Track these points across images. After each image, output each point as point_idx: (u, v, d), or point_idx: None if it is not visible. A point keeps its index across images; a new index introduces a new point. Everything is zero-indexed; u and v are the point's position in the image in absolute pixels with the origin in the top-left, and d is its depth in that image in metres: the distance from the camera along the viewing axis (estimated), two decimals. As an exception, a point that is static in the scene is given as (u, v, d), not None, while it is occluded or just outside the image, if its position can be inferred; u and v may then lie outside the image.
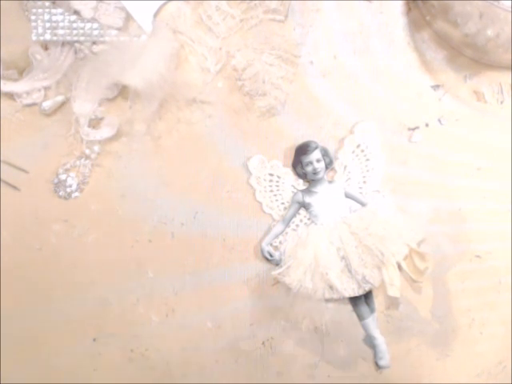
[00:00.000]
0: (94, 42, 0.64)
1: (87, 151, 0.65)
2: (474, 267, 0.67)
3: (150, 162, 0.66)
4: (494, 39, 0.62)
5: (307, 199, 0.65)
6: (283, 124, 0.66)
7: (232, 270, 0.66)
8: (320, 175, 0.65)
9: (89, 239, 0.66)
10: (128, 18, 0.64)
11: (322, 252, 0.63)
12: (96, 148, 0.65)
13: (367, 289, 0.64)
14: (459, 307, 0.67)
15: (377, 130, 0.66)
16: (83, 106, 0.64)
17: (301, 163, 0.65)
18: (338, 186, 0.66)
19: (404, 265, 0.65)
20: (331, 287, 0.63)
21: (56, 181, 0.65)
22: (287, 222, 0.66)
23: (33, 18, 0.63)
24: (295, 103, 0.66)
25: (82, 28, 0.63)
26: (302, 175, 0.66)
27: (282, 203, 0.66)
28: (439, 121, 0.68)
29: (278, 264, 0.65)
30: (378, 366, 0.66)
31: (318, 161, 0.64)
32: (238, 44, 0.66)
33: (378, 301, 0.66)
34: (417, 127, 0.67)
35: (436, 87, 0.68)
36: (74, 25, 0.63)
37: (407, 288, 0.66)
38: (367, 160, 0.66)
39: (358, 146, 0.66)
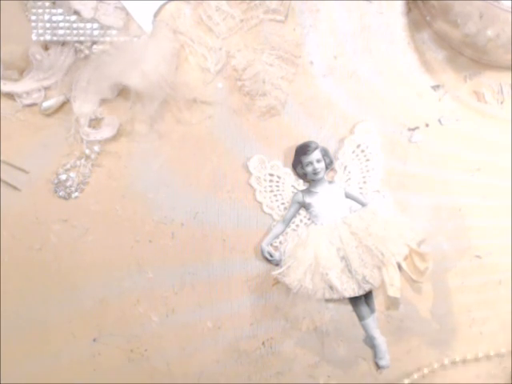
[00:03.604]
0: (94, 42, 0.64)
1: (87, 151, 0.65)
2: (473, 267, 0.67)
3: (150, 162, 0.66)
4: (494, 39, 0.62)
5: (307, 199, 0.65)
6: (283, 124, 0.66)
7: (232, 270, 0.66)
8: (320, 175, 0.65)
9: (89, 239, 0.66)
10: (128, 18, 0.64)
11: (322, 252, 0.63)
12: (96, 148, 0.65)
13: (367, 289, 0.64)
14: (459, 307, 0.67)
15: (377, 130, 0.66)
16: (83, 106, 0.64)
17: (301, 163, 0.65)
18: (338, 186, 0.66)
19: (404, 265, 0.65)
20: (331, 287, 0.63)
21: (56, 181, 0.65)
22: (287, 222, 0.66)
23: (33, 18, 0.63)
24: (295, 103, 0.66)
25: (82, 28, 0.63)
26: (302, 175, 0.66)
27: (282, 203, 0.66)
28: (439, 121, 0.68)
29: (278, 264, 0.65)
30: (377, 366, 0.66)
31: (318, 161, 0.64)
32: (238, 44, 0.66)
33: (378, 301, 0.66)
34: (417, 127, 0.67)
35: (436, 87, 0.68)
36: (74, 25, 0.63)
37: (407, 288, 0.66)
38: (367, 160, 0.66)
39: (358, 147, 0.66)
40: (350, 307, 0.66)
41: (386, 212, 0.65)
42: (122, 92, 0.65)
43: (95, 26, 0.63)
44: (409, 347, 0.66)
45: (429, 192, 0.67)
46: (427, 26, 0.67)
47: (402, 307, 0.66)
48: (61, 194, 0.65)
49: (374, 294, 0.65)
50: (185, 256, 0.66)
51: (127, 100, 0.64)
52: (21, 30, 0.64)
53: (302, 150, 0.65)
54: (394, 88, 0.67)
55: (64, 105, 0.65)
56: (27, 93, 0.65)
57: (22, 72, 0.65)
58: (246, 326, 0.66)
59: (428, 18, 0.66)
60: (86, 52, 0.64)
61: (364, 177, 0.66)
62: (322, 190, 0.65)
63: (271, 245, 0.65)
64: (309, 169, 0.65)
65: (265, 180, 0.66)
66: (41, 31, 0.63)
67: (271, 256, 0.65)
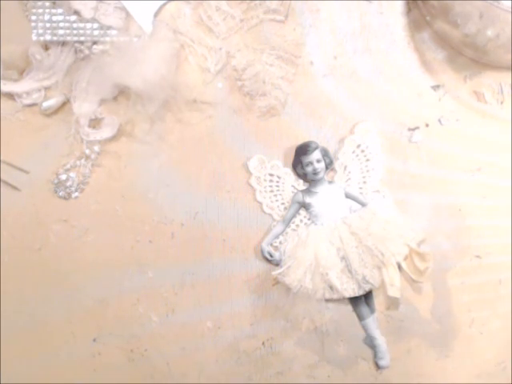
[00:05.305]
0: (95, 42, 0.64)
1: (87, 151, 0.65)
2: (473, 267, 0.67)
3: (149, 162, 0.66)
4: (494, 39, 0.62)
5: (307, 199, 0.65)
6: (283, 124, 0.66)
7: (232, 270, 0.66)
8: (320, 175, 0.65)
9: (89, 239, 0.66)
10: (128, 18, 0.64)
11: (322, 252, 0.63)
12: (96, 148, 0.65)
13: (367, 289, 0.64)
14: (459, 307, 0.67)
15: (377, 130, 0.66)
16: (83, 106, 0.64)
17: (301, 163, 0.65)
18: (338, 186, 0.66)
19: (404, 265, 0.65)
20: (331, 287, 0.63)
21: (56, 181, 0.65)
22: (287, 222, 0.66)
23: (33, 18, 0.63)
24: (295, 103, 0.66)
25: (82, 28, 0.63)
26: (302, 175, 0.66)
27: (282, 203, 0.66)
28: (439, 121, 0.68)
29: (278, 264, 0.65)
30: (377, 366, 0.66)
31: (318, 161, 0.64)
32: (238, 44, 0.66)
33: (378, 301, 0.66)
34: (417, 127, 0.67)
35: (436, 87, 0.68)
36: (74, 25, 0.63)
37: (407, 288, 0.66)
38: (367, 160, 0.66)
39: (358, 147, 0.66)
40: (350, 307, 0.66)
41: (386, 212, 0.65)
42: (122, 92, 0.65)
43: (95, 26, 0.63)
44: (409, 347, 0.66)
45: (429, 192, 0.67)
46: (427, 26, 0.67)
47: (402, 307, 0.66)
48: (61, 194, 0.65)
49: (374, 293, 0.65)
50: (185, 256, 0.66)
51: (127, 100, 0.64)
52: (21, 30, 0.64)
53: (302, 150, 0.65)
54: (393, 88, 0.67)
55: (64, 105, 0.66)
56: (27, 93, 0.65)
57: (22, 72, 0.65)
58: (246, 326, 0.66)
59: (428, 18, 0.67)
60: (86, 52, 0.64)
61: (364, 177, 0.66)
62: (322, 189, 0.65)
63: (271, 245, 0.65)
64: (309, 169, 0.65)
65: (265, 180, 0.66)
66: (41, 31, 0.63)
67: (271, 256, 0.65)
